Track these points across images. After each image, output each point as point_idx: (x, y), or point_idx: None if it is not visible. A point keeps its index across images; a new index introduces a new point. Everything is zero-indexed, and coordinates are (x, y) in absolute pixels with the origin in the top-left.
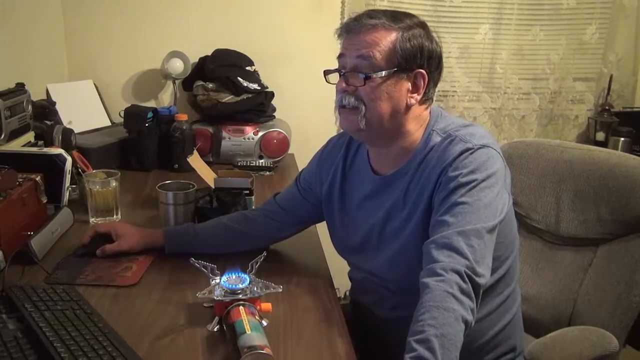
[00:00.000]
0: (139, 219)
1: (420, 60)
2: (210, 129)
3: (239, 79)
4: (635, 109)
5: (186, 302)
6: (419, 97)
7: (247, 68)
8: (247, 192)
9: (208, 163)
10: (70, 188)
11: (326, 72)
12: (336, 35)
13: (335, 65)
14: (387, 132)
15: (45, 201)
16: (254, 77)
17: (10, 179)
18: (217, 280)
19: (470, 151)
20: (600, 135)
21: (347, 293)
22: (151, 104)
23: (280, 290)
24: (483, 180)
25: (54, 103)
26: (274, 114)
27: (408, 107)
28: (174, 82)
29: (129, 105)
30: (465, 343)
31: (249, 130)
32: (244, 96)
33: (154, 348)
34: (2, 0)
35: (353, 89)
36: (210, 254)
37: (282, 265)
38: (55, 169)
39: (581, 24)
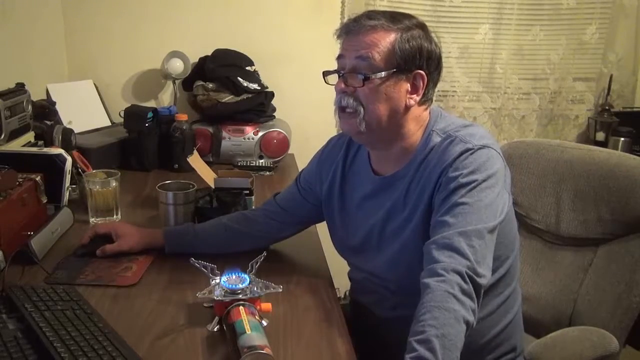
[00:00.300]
0: (139, 219)
1: (419, 61)
2: (210, 129)
3: (239, 79)
4: (635, 109)
5: (186, 302)
6: (418, 98)
7: (247, 68)
8: (247, 192)
9: (208, 163)
10: (70, 188)
11: (325, 73)
12: (335, 36)
13: (334, 65)
14: (386, 134)
15: (45, 201)
16: (254, 77)
17: (10, 179)
18: (217, 280)
19: (471, 151)
20: (600, 135)
21: (347, 293)
22: (151, 104)
23: (280, 290)
24: (484, 181)
25: (54, 103)
26: (274, 114)
27: (407, 108)
28: (174, 82)
29: (129, 105)
30: (465, 343)
31: (249, 130)
32: (244, 96)
33: (154, 348)
34: (2, 0)
35: (352, 89)
36: (210, 254)
37: (282, 265)
38: (55, 169)
39: (581, 24)
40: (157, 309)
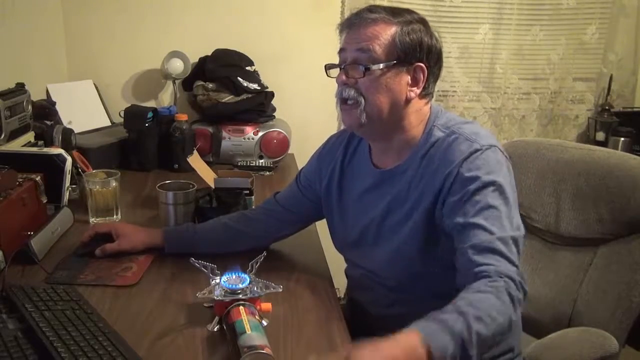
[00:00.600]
0: (139, 219)
1: (419, 54)
2: (210, 129)
3: (239, 79)
4: (635, 109)
5: (186, 302)
6: (418, 91)
7: (247, 68)
8: (247, 192)
9: (208, 163)
10: (70, 188)
11: (327, 67)
12: (337, 31)
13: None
14: (387, 125)
15: (45, 201)
16: (254, 77)
17: (10, 179)
18: (217, 280)
19: (480, 151)
20: (600, 135)
21: (345, 293)
22: (151, 104)
23: (280, 290)
24: (502, 184)
25: (54, 103)
26: (274, 114)
27: (408, 101)
28: (174, 82)
29: (129, 105)
30: None
31: (249, 130)
32: (244, 96)
33: (154, 348)
34: (2, 0)
35: (353, 81)
36: (210, 253)
37: (282, 265)
38: (55, 169)
39: (581, 24)
40: (157, 308)
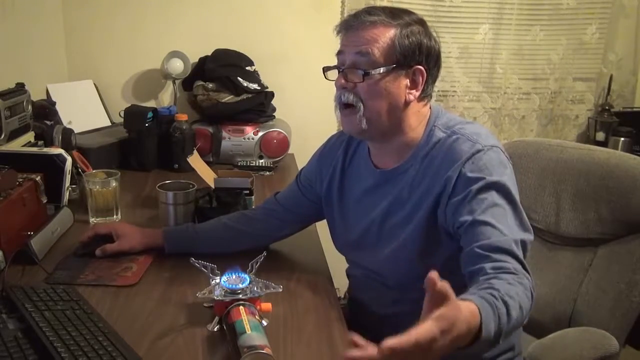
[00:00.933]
0: (139, 219)
1: (418, 57)
2: (210, 129)
3: (239, 79)
4: (635, 109)
5: (186, 302)
6: (417, 94)
7: (247, 68)
8: (247, 192)
9: (208, 163)
10: (70, 188)
11: (325, 69)
12: (335, 32)
13: (334, 64)
14: (387, 128)
15: (45, 201)
16: (254, 77)
17: (10, 179)
18: (217, 280)
19: (482, 152)
20: (600, 135)
21: (346, 293)
22: (151, 104)
23: (280, 290)
24: (507, 184)
25: (54, 103)
26: (274, 114)
27: (407, 104)
28: (174, 82)
29: (129, 105)
30: None
31: (249, 130)
32: (244, 96)
33: (154, 348)
34: (2, 0)
35: (352, 85)
36: (211, 253)
37: (282, 265)
38: (55, 169)
39: (581, 24)
40: (157, 308)
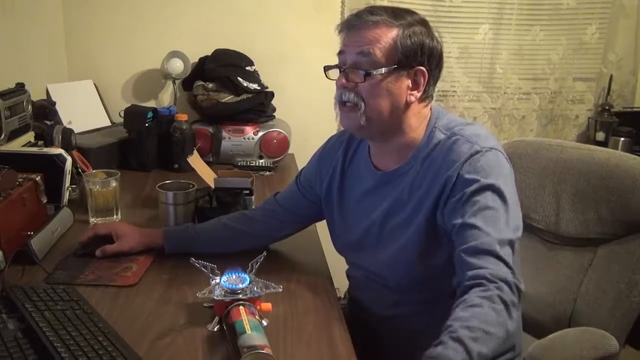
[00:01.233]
0: (139, 219)
1: (420, 58)
2: (210, 129)
3: (239, 79)
4: (635, 109)
5: (186, 302)
6: (418, 95)
7: (247, 68)
8: (247, 192)
9: (208, 163)
10: (70, 188)
11: (326, 68)
12: (337, 31)
13: (335, 63)
14: (387, 128)
15: (45, 201)
16: (254, 77)
17: (10, 179)
18: (217, 280)
19: (480, 153)
20: (600, 135)
21: (346, 293)
22: (151, 104)
23: (280, 290)
24: (501, 186)
25: (54, 103)
26: (274, 114)
27: (408, 104)
28: (174, 82)
29: (129, 105)
30: None
31: (249, 130)
32: (244, 96)
33: (154, 348)
34: (1, 0)
35: (353, 85)
36: (210, 253)
37: (282, 265)
38: (55, 169)
39: (581, 24)
40: (157, 309)
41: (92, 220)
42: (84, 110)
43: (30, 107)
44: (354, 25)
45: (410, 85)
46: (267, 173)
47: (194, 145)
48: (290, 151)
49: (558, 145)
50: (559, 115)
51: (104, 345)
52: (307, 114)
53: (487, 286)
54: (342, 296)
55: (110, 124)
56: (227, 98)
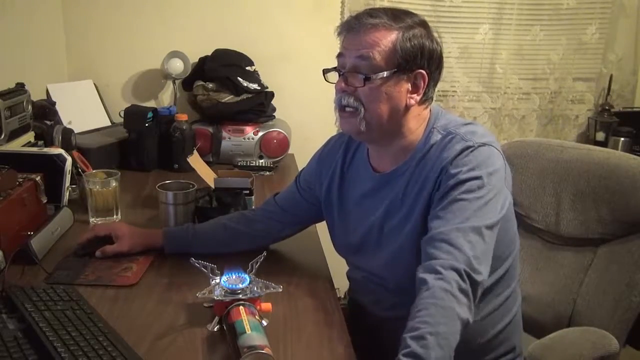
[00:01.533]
0: (139, 219)
1: (420, 61)
2: (210, 129)
3: (239, 79)
4: (635, 109)
5: (186, 302)
6: (418, 98)
7: (247, 68)
8: (247, 192)
9: (208, 163)
10: (70, 188)
11: (325, 71)
12: (336, 34)
13: (334, 65)
14: (387, 131)
15: (45, 201)
16: (254, 77)
17: (10, 179)
18: (217, 280)
19: (471, 149)
20: (600, 135)
21: (346, 293)
22: (151, 104)
23: (280, 290)
24: (483, 178)
25: (54, 103)
26: (274, 114)
27: (407, 108)
28: (174, 82)
29: (129, 105)
30: (464, 342)
31: (249, 130)
32: (244, 96)
33: (154, 348)
34: (1, 0)
35: (352, 89)
36: (210, 253)
37: (282, 265)
38: (55, 169)
39: (581, 24)
40: (157, 309)
41: (92, 220)
42: (84, 110)
43: (30, 107)
44: (353, 28)
45: (410, 88)
46: (267, 173)
47: (194, 145)
48: (290, 151)
49: (558, 146)
50: (559, 115)
51: (104, 345)
52: (307, 114)
53: (429, 285)
54: (342, 296)
55: (110, 124)
56: (227, 98)
